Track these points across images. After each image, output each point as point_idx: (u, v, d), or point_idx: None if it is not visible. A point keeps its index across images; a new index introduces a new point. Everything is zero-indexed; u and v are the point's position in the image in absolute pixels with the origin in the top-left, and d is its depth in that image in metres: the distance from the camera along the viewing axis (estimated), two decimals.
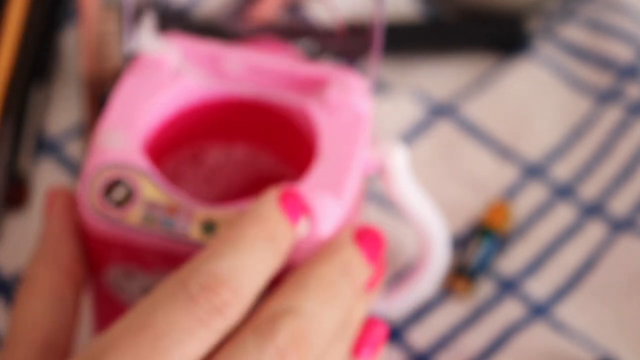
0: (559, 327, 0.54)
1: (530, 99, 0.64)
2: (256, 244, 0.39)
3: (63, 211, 0.45)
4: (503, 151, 0.61)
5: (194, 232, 0.42)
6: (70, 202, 0.45)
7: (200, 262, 0.39)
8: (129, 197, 0.42)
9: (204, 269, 0.38)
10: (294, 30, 0.47)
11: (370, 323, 0.44)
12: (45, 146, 0.61)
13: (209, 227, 0.42)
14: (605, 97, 0.64)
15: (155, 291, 0.38)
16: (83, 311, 0.51)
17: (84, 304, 0.49)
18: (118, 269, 0.44)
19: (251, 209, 0.41)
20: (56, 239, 0.44)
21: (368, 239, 0.43)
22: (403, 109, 0.63)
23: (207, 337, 0.38)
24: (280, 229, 0.41)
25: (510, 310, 0.55)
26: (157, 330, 0.37)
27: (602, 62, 0.65)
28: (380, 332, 0.44)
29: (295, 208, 0.42)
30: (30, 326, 0.42)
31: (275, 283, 0.42)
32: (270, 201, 0.41)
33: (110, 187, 0.42)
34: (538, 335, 0.54)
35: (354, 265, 0.42)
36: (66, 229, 0.44)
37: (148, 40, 0.46)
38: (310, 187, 0.43)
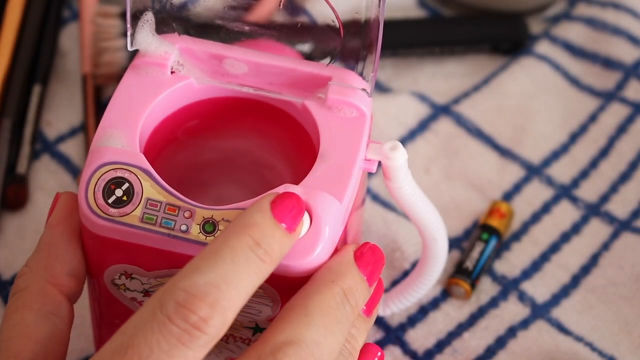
0: (559, 327, 0.54)
1: (531, 99, 0.64)
2: (239, 254, 0.38)
3: (64, 216, 0.44)
4: (504, 151, 0.61)
5: (194, 232, 0.42)
6: (73, 206, 0.44)
7: (178, 278, 0.38)
8: (129, 197, 0.42)
9: (181, 285, 0.37)
10: (294, 30, 0.46)
11: (367, 348, 0.44)
12: (44, 146, 0.61)
13: (209, 227, 0.42)
14: (606, 97, 0.64)
15: (138, 310, 0.38)
16: (83, 312, 0.51)
17: (83, 304, 0.48)
18: (118, 269, 0.44)
19: (238, 217, 0.40)
20: (51, 249, 0.43)
21: (369, 258, 0.43)
22: (403, 108, 0.63)
23: (189, 355, 0.37)
24: (271, 235, 0.39)
25: (510, 310, 0.55)
26: (140, 353, 0.37)
27: (603, 62, 0.65)
28: (379, 356, 0.44)
29: (291, 211, 0.40)
30: (20, 339, 0.41)
31: (281, 291, 0.42)
32: (261, 207, 0.40)
33: (110, 187, 0.42)
34: (538, 335, 0.54)
35: (356, 290, 0.42)
36: (65, 237, 0.44)
37: (148, 40, 0.46)
38: (310, 187, 0.42)
